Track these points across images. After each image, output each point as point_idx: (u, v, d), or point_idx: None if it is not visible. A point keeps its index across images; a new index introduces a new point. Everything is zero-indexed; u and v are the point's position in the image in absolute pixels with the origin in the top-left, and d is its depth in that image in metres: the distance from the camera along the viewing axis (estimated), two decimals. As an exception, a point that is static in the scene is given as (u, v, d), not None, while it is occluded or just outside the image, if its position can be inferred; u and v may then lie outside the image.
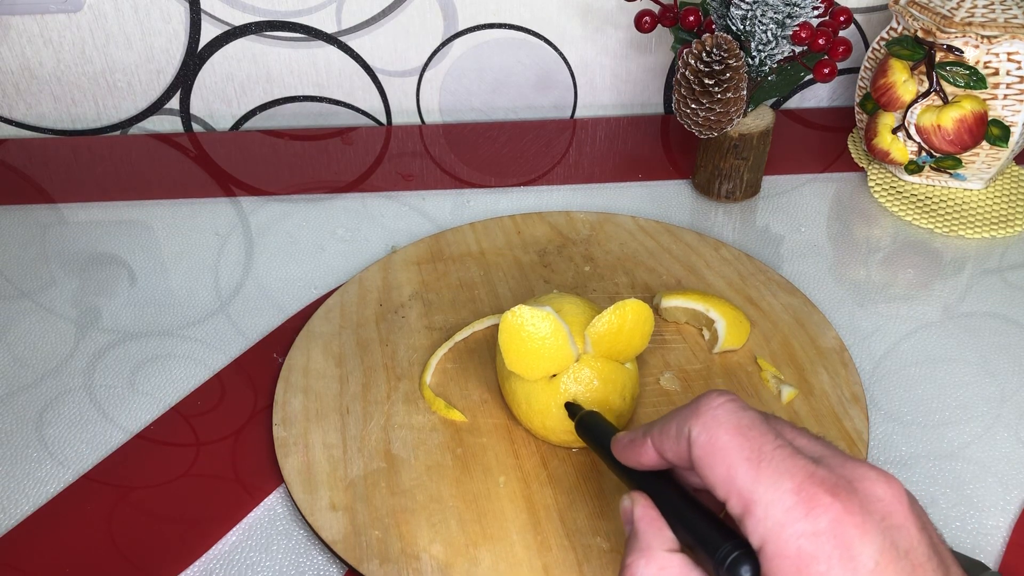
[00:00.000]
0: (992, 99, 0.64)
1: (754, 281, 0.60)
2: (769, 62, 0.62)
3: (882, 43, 0.68)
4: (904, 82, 0.65)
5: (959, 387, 0.55)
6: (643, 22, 0.65)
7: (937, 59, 0.64)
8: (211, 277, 0.63)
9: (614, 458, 0.39)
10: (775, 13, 0.60)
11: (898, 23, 0.67)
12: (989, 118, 0.65)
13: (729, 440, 0.31)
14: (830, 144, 0.78)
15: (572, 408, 0.46)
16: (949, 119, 0.64)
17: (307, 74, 0.80)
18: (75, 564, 0.45)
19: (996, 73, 0.64)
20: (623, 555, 0.34)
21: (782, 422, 0.34)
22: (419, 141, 0.79)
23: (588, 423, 0.44)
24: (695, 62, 0.60)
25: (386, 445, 0.49)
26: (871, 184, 0.72)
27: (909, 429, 0.52)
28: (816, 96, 0.85)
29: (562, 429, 0.47)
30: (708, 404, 0.32)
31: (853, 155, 0.76)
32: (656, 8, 0.65)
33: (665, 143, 0.79)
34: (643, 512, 0.34)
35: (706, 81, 0.60)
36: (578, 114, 0.84)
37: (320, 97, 0.81)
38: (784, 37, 0.61)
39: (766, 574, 0.30)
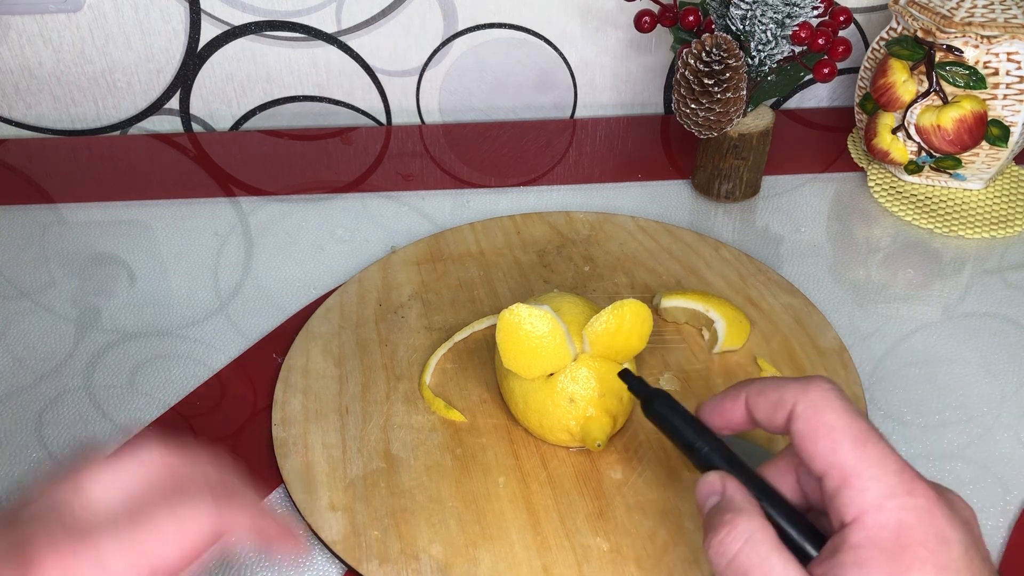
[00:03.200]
0: (992, 99, 0.64)
1: (754, 281, 0.60)
2: (769, 62, 0.62)
3: (882, 43, 0.68)
4: (904, 82, 0.65)
5: (959, 387, 0.55)
6: (643, 22, 0.65)
7: (937, 59, 0.64)
8: (211, 277, 0.63)
9: (686, 443, 0.39)
10: (775, 13, 0.60)
11: (898, 23, 0.67)
12: (989, 118, 0.65)
13: (837, 419, 0.33)
14: (830, 144, 0.78)
15: (632, 379, 0.43)
16: (949, 119, 0.64)
17: (307, 74, 0.80)
18: (74, 564, 0.45)
19: (996, 73, 0.64)
20: (711, 519, 0.35)
21: None
22: (419, 141, 0.79)
23: (661, 408, 0.40)
24: (695, 62, 0.60)
25: (385, 445, 0.49)
26: (871, 184, 0.72)
27: (909, 429, 0.52)
28: (816, 96, 0.85)
29: (559, 428, 0.47)
30: (818, 386, 0.35)
31: (853, 155, 0.76)
32: (656, 8, 0.65)
33: (665, 143, 0.79)
34: (737, 486, 0.36)
35: (706, 81, 0.60)
36: (578, 114, 0.84)
37: (320, 97, 0.81)
38: (784, 37, 0.61)
39: (861, 544, 0.31)
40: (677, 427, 0.40)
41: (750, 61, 0.62)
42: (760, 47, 0.61)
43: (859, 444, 0.33)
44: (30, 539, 0.30)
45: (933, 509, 0.31)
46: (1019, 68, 0.63)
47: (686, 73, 0.61)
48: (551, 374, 0.47)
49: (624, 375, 0.43)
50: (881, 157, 0.70)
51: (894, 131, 0.68)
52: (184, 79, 0.79)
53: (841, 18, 0.63)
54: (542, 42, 0.80)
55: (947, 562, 0.31)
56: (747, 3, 0.60)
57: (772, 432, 0.36)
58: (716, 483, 0.36)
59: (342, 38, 0.78)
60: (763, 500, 0.36)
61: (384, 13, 0.77)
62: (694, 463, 0.39)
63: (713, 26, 0.63)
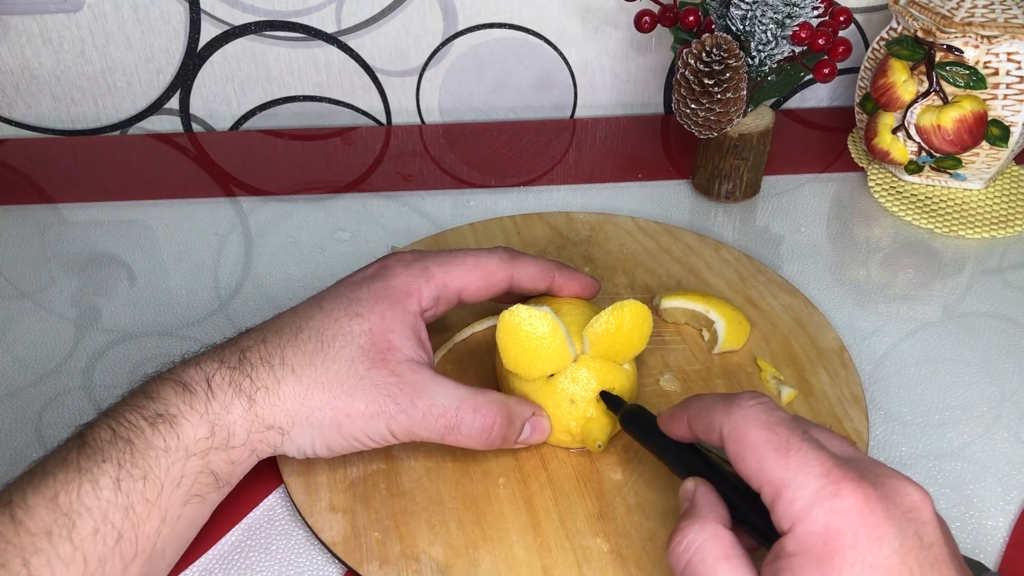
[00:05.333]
0: (992, 99, 0.64)
1: (754, 282, 0.60)
2: (769, 62, 0.62)
3: (882, 43, 0.68)
4: (904, 82, 0.65)
5: (959, 387, 0.55)
6: (643, 22, 0.65)
7: (937, 59, 0.64)
8: (211, 277, 0.63)
9: (663, 451, 0.42)
10: (775, 13, 0.60)
11: (898, 23, 0.67)
12: (989, 118, 0.65)
13: (758, 435, 0.34)
14: (830, 144, 0.78)
15: (611, 399, 0.47)
16: (949, 119, 0.64)
17: (307, 74, 0.80)
18: (75, 565, 0.45)
19: (996, 73, 0.64)
20: (676, 525, 0.36)
21: (817, 427, 0.37)
22: (419, 141, 0.79)
23: (635, 417, 0.45)
24: (695, 62, 0.60)
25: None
26: (871, 184, 0.72)
27: (909, 429, 0.52)
28: (816, 96, 0.85)
29: (560, 429, 0.47)
30: (741, 404, 0.36)
31: (853, 155, 0.76)
32: (656, 8, 0.65)
33: (665, 143, 0.79)
34: (705, 490, 0.38)
35: (706, 81, 0.60)
36: (578, 114, 0.84)
37: (320, 97, 0.81)
38: (784, 37, 0.61)
39: (794, 553, 0.32)
40: (648, 441, 0.44)
41: (750, 61, 0.62)
42: (760, 47, 0.61)
43: (781, 455, 0.33)
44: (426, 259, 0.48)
45: (862, 506, 0.31)
46: (1019, 68, 0.63)
47: (686, 73, 0.61)
48: (551, 375, 0.47)
49: (602, 395, 0.47)
50: (881, 157, 0.70)
51: (894, 131, 0.68)
52: (184, 79, 0.79)
53: (841, 18, 0.63)
54: (542, 42, 0.80)
55: (877, 560, 0.31)
56: (747, 3, 0.60)
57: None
58: (689, 490, 0.38)
59: (342, 38, 0.78)
60: (737, 502, 0.37)
61: (384, 13, 0.77)
62: (673, 471, 0.42)
63: (713, 26, 0.63)
